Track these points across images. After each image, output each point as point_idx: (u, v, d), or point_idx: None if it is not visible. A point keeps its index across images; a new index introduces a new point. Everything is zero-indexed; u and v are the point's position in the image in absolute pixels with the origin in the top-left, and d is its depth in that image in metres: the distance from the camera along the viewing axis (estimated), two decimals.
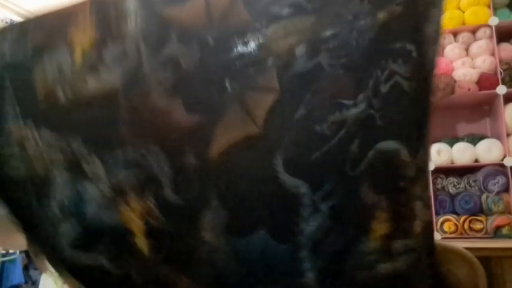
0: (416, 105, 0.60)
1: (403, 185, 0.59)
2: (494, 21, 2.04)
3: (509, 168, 1.91)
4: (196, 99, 0.60)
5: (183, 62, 0.59)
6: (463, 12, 2.22)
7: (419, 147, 0.59)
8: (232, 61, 0.60)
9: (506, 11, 2.16)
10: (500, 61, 2.02)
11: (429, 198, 0.60)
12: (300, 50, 0.60)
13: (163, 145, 0.59)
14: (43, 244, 0.60)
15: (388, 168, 0.60)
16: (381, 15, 0.61)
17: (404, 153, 0.59)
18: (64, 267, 0.59)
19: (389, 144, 0.60)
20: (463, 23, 2.21)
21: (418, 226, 0.57)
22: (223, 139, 0.59)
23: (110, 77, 0.58)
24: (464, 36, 2.19)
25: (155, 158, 0.59)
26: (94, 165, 0.59)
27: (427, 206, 0.58)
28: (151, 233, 0.59)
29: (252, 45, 0.60)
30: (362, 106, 0.60)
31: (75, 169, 0.59)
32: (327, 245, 0.58)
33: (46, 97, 0.59)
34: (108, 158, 0.59)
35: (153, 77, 0.58)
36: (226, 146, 0.59)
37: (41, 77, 0.59)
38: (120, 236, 0.59)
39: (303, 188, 0.59)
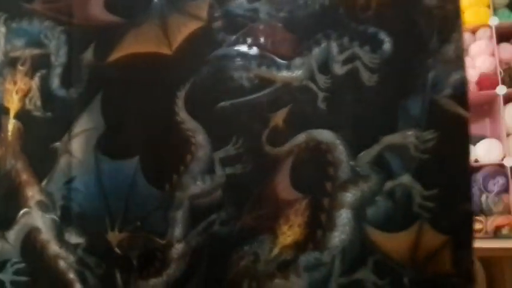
0: (373, 102, 0.55)
1: (329, 187, 0.53)
2: (494, 21, 1.99)
3: (508, 169, 1.86)
4: (120, 1, 0.56)
5: None
6: (463, 12, 2.15)
7: (363, 147, 0.54)
8: None
9: (506, 11, 2.11)
10: (500, 61, 1.97)
11: (361, 207, 0.53)
12: None
13: (70, 32, 0.56)
14: None
15: (317, 162, 0.54)
16: None
17: (339, 150, 0.54)
18: None
19: (325, 134, 0.54)
20: (463, 23, 2.17)
21: (336, 238, 0.52)
22: (130, 46, 0.55)
23: None
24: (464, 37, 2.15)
25: (57, 41, 0.56)
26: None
27: (359, 217, 0.53)
28: (22, 117, 0.56)
29: None
30: (298, 73, 0.55)
31: None
32: (208, 222, 0.53)
33: None
34: (13, 26, 0.57)
35: None
36: (129, 54, 0.55)
37: None
38: None
39: (200, 135, 0.53)
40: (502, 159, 1.90)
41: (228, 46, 0.55)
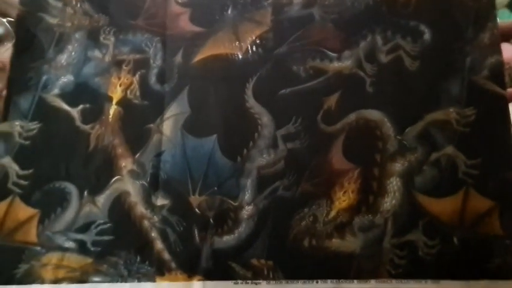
0: (416, 84, 0.63)
1: (379, 158, 0.61)
2: None
3: None
4: (201, 14, 0.69)
5: None
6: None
7: (407, 125, 0.61)
8: None
9: (506, 11, 2.01)
10: None
11: (409, 175, 0.59)
12: None
13: (164, 41, 0.68)
14: (36, 79, 0.69)
15: (367, 137, 0.62)
16: None
17: (387, 127, 0.61)
18: (37, 104, 0.68)
19: (373, 113, 0.62)
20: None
21: (387, 203, 0.58)
22: (209, 50, 0.67)
23: None
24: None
25: (155, 49, 0.68)
26: (108, 40, 0.70)
27: (407, 184, 0.59)
28: (122, 103, 0.66)
29: None
30: (347, 63, 0.64)
31: (93, 38, 0.70)
32: (273, 188, 0.61)
33: None
34: (120, 38, 0.70)
35: None
36: (209, 56, 0.66)
37: None
38: (101, 98, 0.67)
39: (265, 117, 0.63)
40: None
41: (288, 45, 0.66)
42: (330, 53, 0.65)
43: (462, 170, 0.59)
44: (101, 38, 0.70)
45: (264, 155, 0.62)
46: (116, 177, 0.63)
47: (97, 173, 0.63)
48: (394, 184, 0.59)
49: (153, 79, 0.67)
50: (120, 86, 0.67)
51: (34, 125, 0.65)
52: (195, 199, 0.61)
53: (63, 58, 0.69)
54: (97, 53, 0.69)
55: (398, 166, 0.60)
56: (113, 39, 0.70)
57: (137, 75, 0.68)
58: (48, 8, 0.72)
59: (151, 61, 0.68)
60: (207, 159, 0.63)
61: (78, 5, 0.71)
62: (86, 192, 0.62)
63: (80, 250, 0.59)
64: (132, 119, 0.66)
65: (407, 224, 0.58)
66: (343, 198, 0.60)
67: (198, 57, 0.67)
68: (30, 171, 0.63)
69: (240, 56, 0.66)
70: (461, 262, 0.56)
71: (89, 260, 0.59)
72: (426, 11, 0.64)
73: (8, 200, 0.61)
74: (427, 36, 0.63)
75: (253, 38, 0.67)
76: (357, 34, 0.65)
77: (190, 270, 0.59)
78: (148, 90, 0.67)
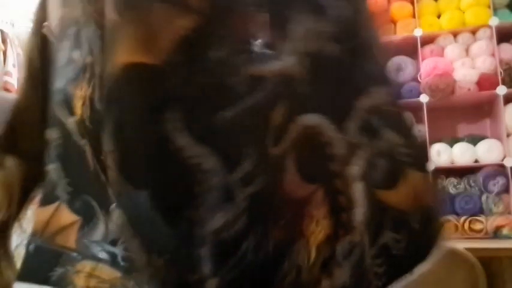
0: (342, 72, 0.52)
1: (334, 167, 0.49)
2: (494, 21, 2.04)
3: (509, 169, 1.90)
4: None
5: None
6: (463, 12, 2.23)
7: (347, 120, 0.50)
8: None
9: (506, 11, 2.16)
10: (500, 62, 2.02)
11: (365, 175, 0.50)
12: None
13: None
14: None
15: (314, 147, 0.48)
16: None
17: (328, 128, 0.49)
18: None
19: (312, 118, 0.48)
20: (463, 24, 2.21)
21: (359, 214, 0.48)
22: (120, 55, 0.42)
23: None
24: (464, 37, 2.20)
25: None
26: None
27: (367, 185, 0.49)
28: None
29: None
30: (289, 61, 0.47)
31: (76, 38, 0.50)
32: (240, 254, 0.43)
33: None
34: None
35: None
36: (121, 64, 0.42)
37: None
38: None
39: (210, 161, 0.42)
40: (503, 160, 1.95)
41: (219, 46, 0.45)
42: (267, 50, 0.47)
43: (401, 151, 0.56)
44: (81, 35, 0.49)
45: (218, 214, 0.43)
46: None
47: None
48: (357, 191, 0.51)
49: (97, 95, 0.46)
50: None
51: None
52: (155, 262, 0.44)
53: None
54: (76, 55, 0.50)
55: (355, 169, 0.52)
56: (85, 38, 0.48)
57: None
58: None
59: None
60: (148, 223, 0.42)
61: None
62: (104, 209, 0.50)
63: (112, 263, 0.52)
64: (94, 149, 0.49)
65: (377, 227, 0.53)
66: (318, 229, 0.48)
67: (110, 67, 0.42)
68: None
69: (157, 66, 0.42)
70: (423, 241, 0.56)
71: (118, 274, 0.51)
72: None
73: (55, 204, 0.55)
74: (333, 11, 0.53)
75: (181, 36, 0.42)
76: (289, 20, 0.49)
77: None
78: (94, 110, 0.48)
